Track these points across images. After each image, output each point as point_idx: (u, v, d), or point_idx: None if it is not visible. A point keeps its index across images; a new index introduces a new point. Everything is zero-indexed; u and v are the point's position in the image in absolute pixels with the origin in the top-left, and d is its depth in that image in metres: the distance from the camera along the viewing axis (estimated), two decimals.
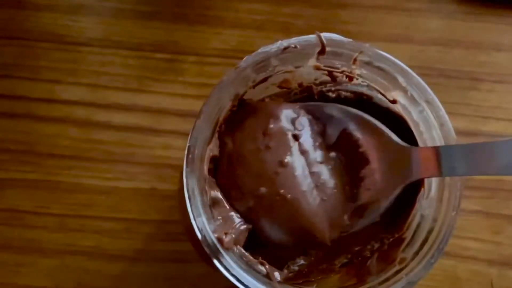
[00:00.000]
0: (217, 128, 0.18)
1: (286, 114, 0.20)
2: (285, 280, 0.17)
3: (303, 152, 0.20)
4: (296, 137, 0.20)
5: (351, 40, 0.19)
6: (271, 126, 0.19)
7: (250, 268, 0.16)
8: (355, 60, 0.19)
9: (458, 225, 0.26)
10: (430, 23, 0.28)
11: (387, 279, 0.16)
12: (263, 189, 0.19)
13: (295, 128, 0.20)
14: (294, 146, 0.20)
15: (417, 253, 0.18)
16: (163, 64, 0.28)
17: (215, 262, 0.15)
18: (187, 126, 0.26)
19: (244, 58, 0.18)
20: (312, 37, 0.18)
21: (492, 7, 0.28)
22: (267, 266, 0.17)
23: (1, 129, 0.28)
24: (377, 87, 0.20)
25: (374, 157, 0.20)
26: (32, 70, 0.28)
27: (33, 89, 0.28)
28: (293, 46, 0.18)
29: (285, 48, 0.18)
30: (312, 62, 0.19)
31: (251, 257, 0.16)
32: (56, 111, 0.28)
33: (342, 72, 0.20)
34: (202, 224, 0.16)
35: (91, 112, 0.28)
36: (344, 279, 0.17)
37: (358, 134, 0.20)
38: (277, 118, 0.20)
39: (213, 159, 0.18)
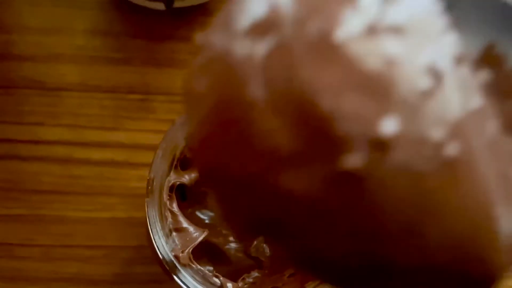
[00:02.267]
0: (175, 162, 0.20)
1: None
2: None
3: (459, 59, 0.11)
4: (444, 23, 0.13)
5: None
6: None
7: (205, 281, 0.19)
8: None
9: None
10: None
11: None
12: (393, 126, 0.07)
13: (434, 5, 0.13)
14: (445, 39, 0.12)
15: None
16: (136, 104, 0.31)
17: (175, 277, 0.18)
18: None
19: None
20: None
21: None
22: (221, 278, 0.19)
23: None
24: None
25: None
26: (16, 114, 0.31)
27: (17, 131, 0.30)
28: None
29: None
30: None
31: (206, 271, 0.19)
32: (38, 151, 0.30)
33: None
34: (161, 245, 0.18)
35: (71, 150, 0.30)
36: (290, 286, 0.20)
37: None
38: None
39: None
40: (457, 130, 0.09)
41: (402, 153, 0.09)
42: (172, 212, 0.20)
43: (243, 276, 0.20)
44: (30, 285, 0.29)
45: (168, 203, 0.19)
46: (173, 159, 0.20)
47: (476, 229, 0.09)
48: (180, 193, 0.21)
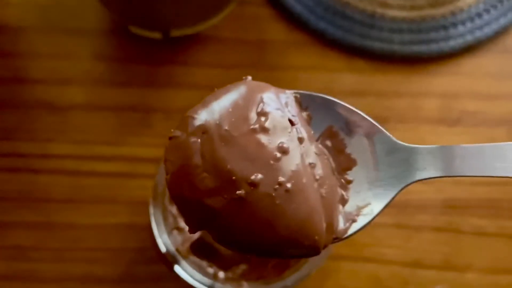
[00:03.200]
0: None
1: (279, 96, 0.18)
2: (227, 280, 0.23)
3: (300, 139, 0.18)
4: (291, 122, 0.18)
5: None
6: (266, 105, 0.18)
7: (201, 270, 0.22)
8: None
9: (377, 235, 0.32)
10: (345, 77, 0.35)
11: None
12: (259, 176, 0.17)
13: (289, 112, 0.18)
14: (292, 131, 0.18)
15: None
16: (137, 121, 0.34)
17: (176, 267, 0.21)
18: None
19: None
20: None
21: (392, 64, 0.36)
22: (214, 268, 0.23)
23: (3, 182, 0.33)
24: None
25: (363, 158, 0.19)
26: (29, 132, 0.33)
27: (29, 147, 0.33)
28: None
29: None
30: None
31: (202, 263, 0.23)
32: (49, 164, 0.33)
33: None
34: (165, 240, 0.22)
35: (79, 163, 0.33)
36: (271, 276, 0.23)
37: (343, 132, 0.19)
38: (270, 98, 0.18)
39: None
40: (293, 175, 0.18)
41: (263, 188, 0.17)
42: (172, 214, 0.23)
43: (232, 268, 0.24)
44: (42, 284, 0.31)
45: (169, 206, 0.23)
46: None
47: (306, 224, 0.18)
48: None
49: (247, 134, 0.18)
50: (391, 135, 0.19)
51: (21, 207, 0.33)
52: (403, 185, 0.19)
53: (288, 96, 0.19)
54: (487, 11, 0.35)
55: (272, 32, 0.36)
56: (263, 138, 0.17)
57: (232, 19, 0.35)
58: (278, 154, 0.17)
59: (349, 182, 0.19)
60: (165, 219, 0.22)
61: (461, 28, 0.35)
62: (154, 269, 0.32)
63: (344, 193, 0.19)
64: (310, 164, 0.18)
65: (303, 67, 0.35)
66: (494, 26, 0.35)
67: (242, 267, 0.24)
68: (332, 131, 0.19)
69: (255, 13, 0.36)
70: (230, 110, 0.18)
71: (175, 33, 0.33)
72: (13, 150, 0.33)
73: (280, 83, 0.37)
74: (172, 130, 0.19)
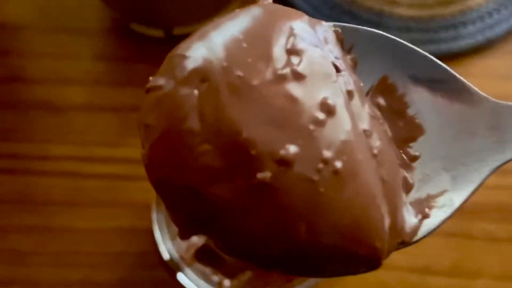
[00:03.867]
0: None
1: (315, 27, 0.13)
2: None
3: (350, 93, 0.12)
4: (336, 68, 0.12)
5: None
6: (299, 39, 0.12)
7: (206, 278, 0.21)
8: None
9: None
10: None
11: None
12: (292, 149, 0.11)
13: (331, 53, 0.12)
14: (338, 80, 0.12)
15: None
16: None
17: (180, 275, 0.21)
18: None
19: None
20: None
21: None
22: (219, 275, 0.22)
23: (2, 184, 0.32)
24: None
25: (435, 123, 0.13)
26: (28, 132, 0.33)
27: (28, 148, 0.33)
28: None
29: None
30: None
31: (207, 269, 0.22)
32: (48, 166, 0.32)
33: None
34: (169, 247, 0.21)
35: (79, 165, 0.32)
36: (279, 283, 0.23)
37: (404, 85, 0.13)
38: (304, 30, 0.12)
39: None
40: (343, 148, 0.11)
41: (300, 168, 0.11)
42: None
43: (238, 275, 0.23)
44: None
45: None
46: None
47: (362, 222, 0.12)
48: None
49: (273, 83, 0.11)
50: (481, 92, 0.13)
51: (18, 210, 0.32)
52: (498, 163, 0.13)
53: (326, 29, 0.13)
54: (497, 10, 0.34)
55: None
56: (297, 89, 0.11)
57: None
58: (321, 115, 0.11)
59: (415, 158, 0.13)
60: (168, 224, 0.21)
61: (471, 28, 0.34)
62: (156, 274, 0.31)
63: (407, 174, 0.13)
64: (364, 131, 0.12)
65: None
66: (505, 26, 0.34)
67: (248, 274, 0.23)
68: (387, 84, 0.13)
69: None
70: (244, 45, 0.12)
71: (178, 31, 0.33)
72: (11, 151, 0.33)
73: None
74: (150, 77, 0.14)
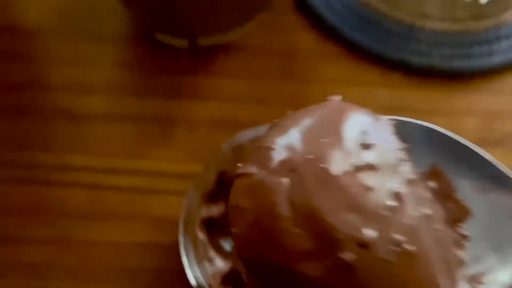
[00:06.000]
0: (205, 196, 0.22)
1: (380, 121, 0.14)
2: None
3: (411, 182, 0.14)
4: (401, 158, 0.14)
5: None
6: (369, 134, 0.14)
7: None
8: None
9: None
10: (380, 93, 0.34)
11: None
12: (371, 233, 0.13)
13: (394, 144, 0.14)
14: (402, 169, 0.14)
15: None
16: (159, 133, 0.33)
17: None
18: (181, 186, 0.31)
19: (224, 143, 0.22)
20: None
21: (430, 79, 0.34)
22: None
23: (18, 194, 0.32)
24: None
25: (481, 208, 0.15)
26: (46, 141, 0.32)
27: (46, 158, 0.32)
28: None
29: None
30: None
31: None
32: (67, 176, 0.32)
33: None
34: (195, 273, 0.20)
35: (98, 177, 0.32)
36: None
37: (451, 172, 0.15)
38: (372, 125, 0.14)
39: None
40: (413, 232, 0.13)
41: (378, 249, 0.13)
42: (202, 242, 0.22)
43: None
44: None
45: (199, 233, 0.21)
46: (204, 194, 0.22)
47: None
48: (206, 223, 0.23)
49: (351, 174, 0.13)
50: None
51: (34, 222, 0.31)
52: None
53: (386, 122, 0.15)
54: None
55: (302, 42, 0.34)
56: (371, 179, 0.13)
57: (259, 27, 0.33)
58: (392, 202, 0.13)
59: (466, 238, 0.15)
60: (195, 248, 0.20)
61: (504, 43, 0.33)
62: None
63: (460, 253, 0.15)
64: (426, 215, 0.14)
65: (335, 79, 0.33)
66: None
67: None
68: (437, 171, 0.15)
69: (284, 21, 0.34)
70: (322, 140, 0.13)
71: (203, 41, 0.32)
72: (28, 160, 0.32)
73: (309, 97, 0.35)
74: (239, 164, 0.15)
